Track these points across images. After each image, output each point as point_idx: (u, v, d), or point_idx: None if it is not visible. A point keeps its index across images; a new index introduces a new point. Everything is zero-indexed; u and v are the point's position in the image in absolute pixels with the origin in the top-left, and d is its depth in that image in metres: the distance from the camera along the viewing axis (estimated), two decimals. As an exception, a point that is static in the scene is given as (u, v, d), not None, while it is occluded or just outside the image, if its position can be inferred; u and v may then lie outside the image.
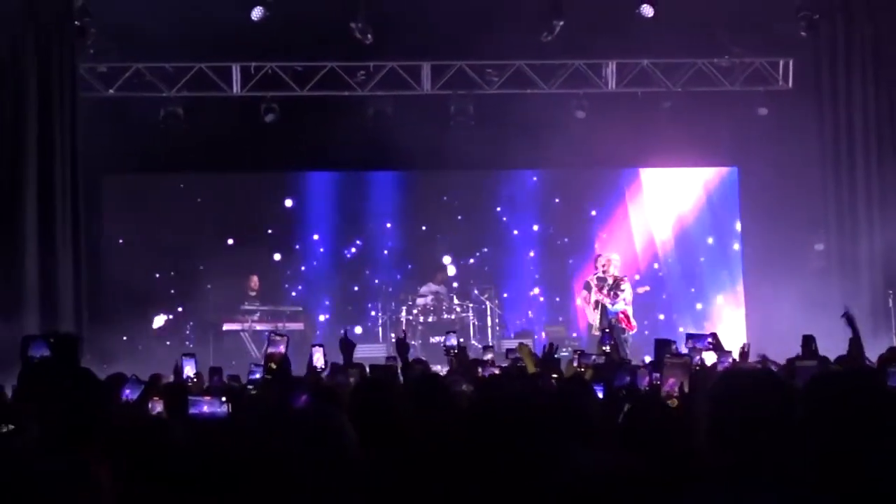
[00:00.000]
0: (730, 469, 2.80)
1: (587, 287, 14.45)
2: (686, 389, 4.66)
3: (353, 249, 17.23)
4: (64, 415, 3.99)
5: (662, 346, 7.36)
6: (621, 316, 14.05)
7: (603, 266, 14.34)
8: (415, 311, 15.30)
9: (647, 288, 16.13)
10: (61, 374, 4.07)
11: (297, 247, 17.11)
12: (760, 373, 3.29)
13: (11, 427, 4.68)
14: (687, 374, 4.68)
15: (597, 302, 14.10)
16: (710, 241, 17.30)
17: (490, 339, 15.22)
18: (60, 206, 13.10)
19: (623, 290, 14.26)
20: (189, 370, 6.73)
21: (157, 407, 5.41)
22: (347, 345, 7.17)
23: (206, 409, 4.35)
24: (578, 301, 15.86)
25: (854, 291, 13.76)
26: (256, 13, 13.61)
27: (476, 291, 15.59)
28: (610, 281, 14.22)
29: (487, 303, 15.49)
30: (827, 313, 13.31)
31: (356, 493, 2.77)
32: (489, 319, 15.50)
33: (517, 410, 3.03)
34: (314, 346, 7.04)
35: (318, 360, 6.94)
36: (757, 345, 8.75)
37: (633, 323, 14.19)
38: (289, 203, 17.14)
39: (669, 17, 14.10)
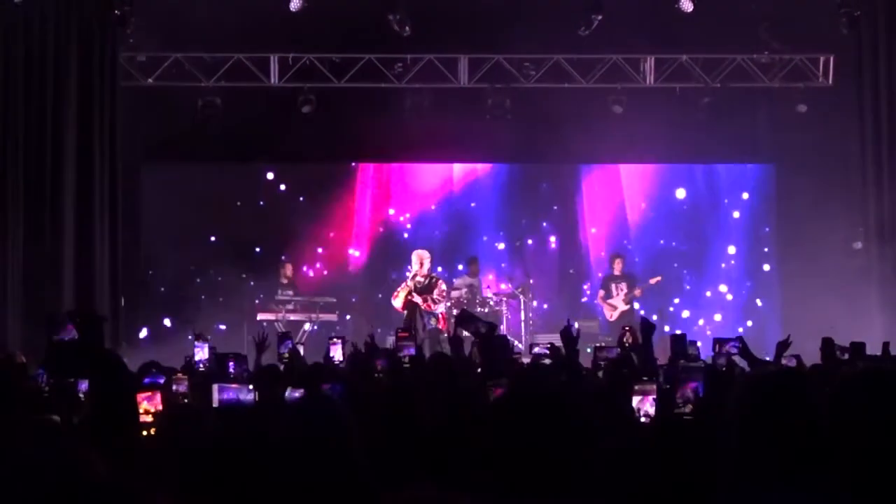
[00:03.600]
0: (761, 475, 2.76)
1: (411, 293, 13.58)
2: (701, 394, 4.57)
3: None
4: (98, 403, 3.99)
5: (678, 343, 7.31)
6: (440, 317, 13.77)
7: (420, 264, 13.74)
8: (448, 303, 15.29)
9: (660, 278, 16.05)
10: (89, 358, 4.09)
11: (332, 236, 17.15)
12: (789, 374, 3.22)
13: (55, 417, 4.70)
14: (702, 379, 4.60)
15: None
16: (746, 237, 17.15)
17: (523, 333, 15.19)
18: (99, 193, 13.26)
19: (445, 291, 13.85)
20: (201, 355, 6.76)
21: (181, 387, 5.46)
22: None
23: (233, 395, 4.38)
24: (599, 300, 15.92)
25: (893, 290, 13.63)
26: (295, 4, 13.68)
27: (510, 284, 15.55)
28: (426, 282, 13.65)
29: (521, 296, 15.46)
30: (865, 313, 13.29)
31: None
32: (522, 313, 15.46)
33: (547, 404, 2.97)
34: (332, 339, 7.09)
35: (336, 353, 7.01)
36: (793, 344, 8.65)
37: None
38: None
39: (708, 13, 14.02)
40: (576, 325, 13.41)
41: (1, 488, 2.07)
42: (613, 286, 15.84)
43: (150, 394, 4.42)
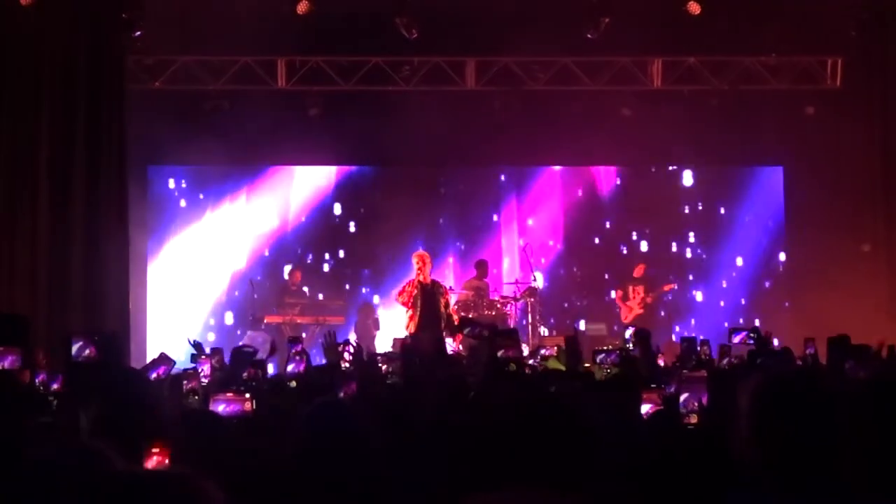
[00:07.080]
0: (773, 477, 2.74)
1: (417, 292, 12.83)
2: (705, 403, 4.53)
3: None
4: (114, 416, 3.97)
5: (688, 347, 7.29)
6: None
7: (421, 265, 13.05)
8: (455, 306, 15.25)
9: (675, 286, 16.06)
10: (109, 376, 4.04)
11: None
12: (805, 374, 3.20)
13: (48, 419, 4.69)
14: (705, 388, 4.56)
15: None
16: (755, 240, 17.12)
17: (530, 337, 15.16)
18: (106, 196, 13.24)
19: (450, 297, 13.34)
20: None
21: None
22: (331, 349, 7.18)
23: (228, 407, 4.33)
24: (614, 294, 15.90)
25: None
26: (302, 7, 13.67)
27: (517, 288, 15.51)
28: (431, 288, 12.97)
29: (529, 300, 15.42)
30: (874, 315, 13.24)
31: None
32: (529, 317, 15.44)
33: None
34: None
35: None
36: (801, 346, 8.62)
37: None
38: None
39: (716, 15, 13.99)
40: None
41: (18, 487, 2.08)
42: (631, 288, 15.92)
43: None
